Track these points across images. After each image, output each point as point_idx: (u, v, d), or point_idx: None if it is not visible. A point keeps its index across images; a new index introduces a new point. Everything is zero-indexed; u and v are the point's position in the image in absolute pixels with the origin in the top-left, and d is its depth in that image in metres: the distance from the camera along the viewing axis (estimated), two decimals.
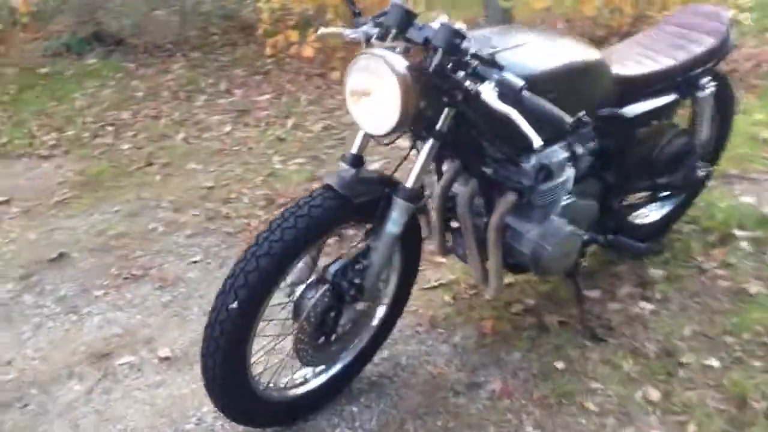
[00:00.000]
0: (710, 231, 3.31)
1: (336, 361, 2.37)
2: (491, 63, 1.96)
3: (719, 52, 2.80)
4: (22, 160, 5.19)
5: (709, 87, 2.78)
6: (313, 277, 2.17)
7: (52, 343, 2.92)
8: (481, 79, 1.92)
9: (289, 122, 5.31)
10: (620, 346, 2.63)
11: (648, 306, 2.84)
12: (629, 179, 2.75)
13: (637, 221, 3.18)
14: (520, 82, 1.88)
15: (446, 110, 2.08)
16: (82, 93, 6.53)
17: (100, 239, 3.75)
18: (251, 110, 5.69)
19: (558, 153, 2.31)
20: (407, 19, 2.06)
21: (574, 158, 2.44)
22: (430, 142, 2.12)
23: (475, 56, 1.96)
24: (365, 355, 2.46)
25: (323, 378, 2.38)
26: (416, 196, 2.13)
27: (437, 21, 2.01)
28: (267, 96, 6.06)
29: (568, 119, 1.90)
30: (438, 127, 2.10)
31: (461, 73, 1.95)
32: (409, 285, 2.49)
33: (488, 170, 2.27)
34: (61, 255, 3.58)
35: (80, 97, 6.41)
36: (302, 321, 2.10)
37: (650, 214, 3.22)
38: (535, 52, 2.21)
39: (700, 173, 3.02)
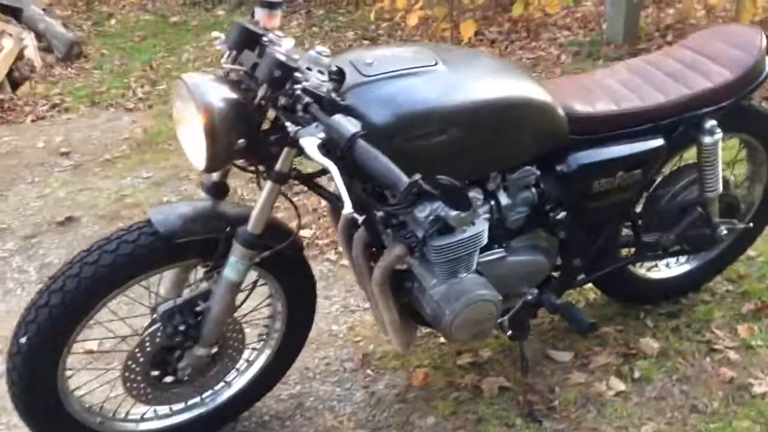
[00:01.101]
0: (749, 297, 2.68)
1: (198, 403, 2.16)
2: (329, 102, 1.62)
3: (736, 89, 2.18)
4: (108, 110, 5.34)
5: (716, 132, 2.18)
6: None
7: (8, 314, 2.92)
8: (313, 119, 1.59)
9: None
10: None
11: (618, 386, 2.33)
12: (596, 235, 2.24)
13: (650, 275, 2.63)
14: (353, 129, 1.52)
15: (286, 150, 1.75)
16: (195, 46, 6.62)
17: (115, 206, 3.74)
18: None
19: None
20: (244, 39, 1.74)
21: (498, 209, 2.01)
22: (269, 184, 1.80)
23: (306, 92, 1.61)
24: (244, 400, 2.22)
25: (194, 413, 2.17)
26: (257, 242, 1.83)
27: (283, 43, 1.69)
28: None
29: (404, 182, 1.50)
30: (277, 167, 1.77)
31: (298, 111, 1.62)
32: (301, 335, 2.21)
33: (373, 215, 1.91)
34: (69, 218, 3.61)
35: (191, 50, 6.50)
36: (128, 356, 1.90)
37: (667, 269, 2.66)
38: (428, 83, 1.79)
39: (721, 232, 2.42)
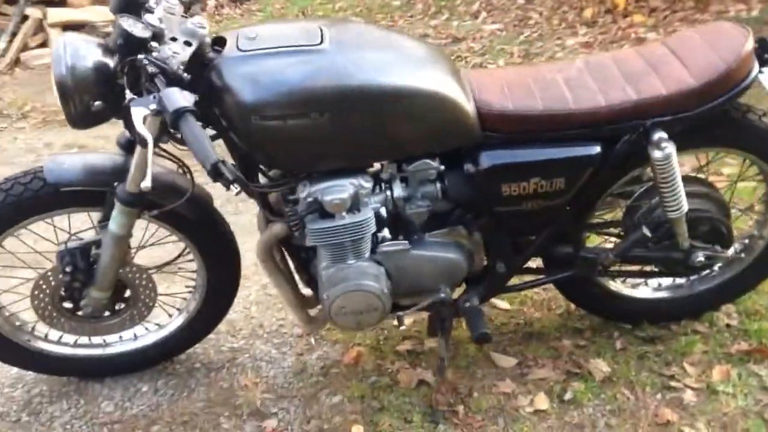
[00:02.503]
0: (748, 336, 2.34)
1: (132, 339, 2.35)
2: (172, 74, 1.65)
3: (697, 99, 1.87)
4: None
5: (664, 147, 1.88)
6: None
7: None
8: (155, 89, 1.63)
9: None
10: None
11: (542, 404, 2.16)
12: (524, 241, 2.07)
13: (630, 292, 2.38)
14: (181, 103, 1.55)
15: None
16: None
17: None
18: (466, 39, 5.35)
19: (339, 189, 1.84)
20: (123, 2, 1.79)
21: (392, 199, 1.94)
22: (138, 149, 1.85)
23: (152, 63, 1.65)
24: (177, 343, 2.37)
25: (128, 347, 2.35)
26: (134, 200, 1.90)
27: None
28: (497, 26, 5.62)
29: (209, 161, 1.51)
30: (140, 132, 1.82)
31: (144, 81, 1.68)
32: (225, 290, 2.27)
33: (256, 188, 1.92)
34: None
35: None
36: (34, 285, 2.10)
37: (658, 289, 2.39)
38: (299, 63, 1.73)
39: (696, 258, 2.13)
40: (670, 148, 1.89)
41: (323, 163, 1.85)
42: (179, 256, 2.21)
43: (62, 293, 2.12)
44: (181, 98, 1.56)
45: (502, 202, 1.93)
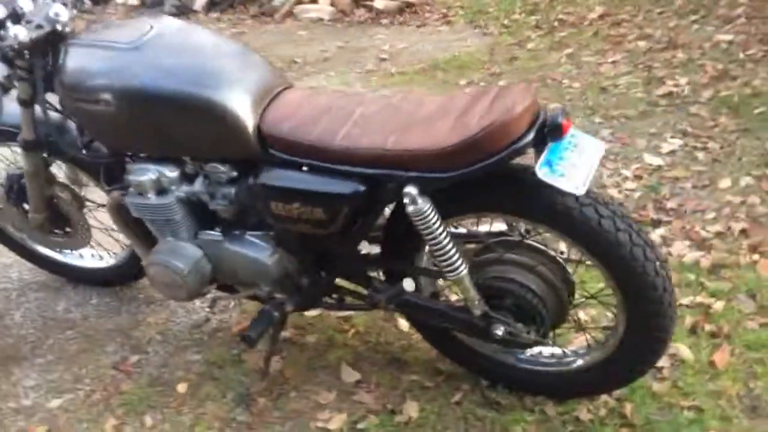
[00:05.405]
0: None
1: (89, 256, 2.90)
2: (1, 49, 2.03)
3: (441, 163, 1.74)
4: (474, 30, 5.79)
5: (410, 201, 1.77)
6: None
7: None
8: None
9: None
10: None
11: (334, 425, 2.18)
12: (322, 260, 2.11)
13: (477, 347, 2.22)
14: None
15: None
16: None
17: None
18: (682, 47, 4.81)
19: (143, 171, 2.08)
20: None
21: (194, 193, 2.12)
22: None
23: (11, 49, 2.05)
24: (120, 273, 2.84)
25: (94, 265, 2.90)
26: (28, 146, 2.34)
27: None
28: (731, 37, 4.90)
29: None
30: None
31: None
32: None
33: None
34: None
35: None
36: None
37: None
38: (102, 58, 1.98)
39: (496, 329, 1.95)
40: (422, 204, 1.77)
41: (127, 147, 2.11)
42: None
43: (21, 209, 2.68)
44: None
45: (273, 218, 1.99)
